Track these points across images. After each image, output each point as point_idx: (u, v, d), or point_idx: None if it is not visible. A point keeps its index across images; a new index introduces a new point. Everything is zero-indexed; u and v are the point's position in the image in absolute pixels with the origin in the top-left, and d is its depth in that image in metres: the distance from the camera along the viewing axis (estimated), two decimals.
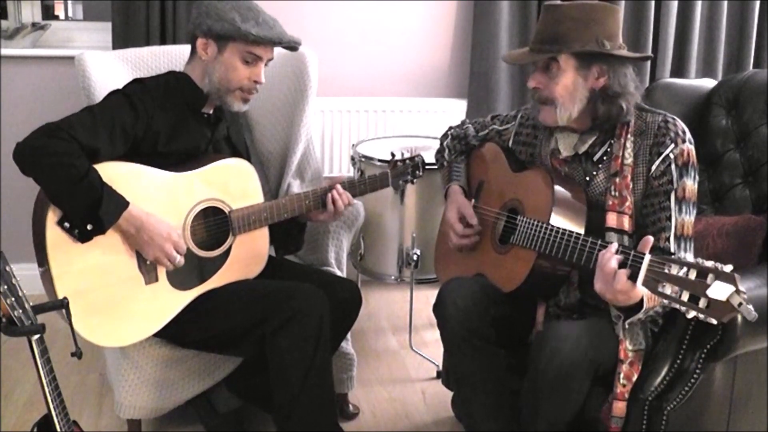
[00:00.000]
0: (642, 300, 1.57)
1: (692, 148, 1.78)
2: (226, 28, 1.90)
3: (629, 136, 1.81)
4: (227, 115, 2.13)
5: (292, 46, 2.02)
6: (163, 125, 1.92)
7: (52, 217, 1.75)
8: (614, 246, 1.57)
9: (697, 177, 1.79)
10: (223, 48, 1.94)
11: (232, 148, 2.14)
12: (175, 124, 1.95)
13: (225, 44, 1.94)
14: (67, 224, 1.75)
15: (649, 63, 3.31)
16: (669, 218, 1.75)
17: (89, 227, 1.75)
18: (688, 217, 1.76)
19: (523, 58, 1.87)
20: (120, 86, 1.94)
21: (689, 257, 1.75)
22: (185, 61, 2.05)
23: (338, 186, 2.09)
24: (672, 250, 1.73)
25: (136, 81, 1.97)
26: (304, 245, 2.29)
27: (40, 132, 1.76)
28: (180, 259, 1.88)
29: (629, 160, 1.80)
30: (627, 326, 1.69)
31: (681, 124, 1.81)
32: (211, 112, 2.06)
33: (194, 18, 1.96)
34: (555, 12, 1.77)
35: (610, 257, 1.54)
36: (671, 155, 1.76)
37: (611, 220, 1.78)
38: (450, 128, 2.26)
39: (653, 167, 1.78)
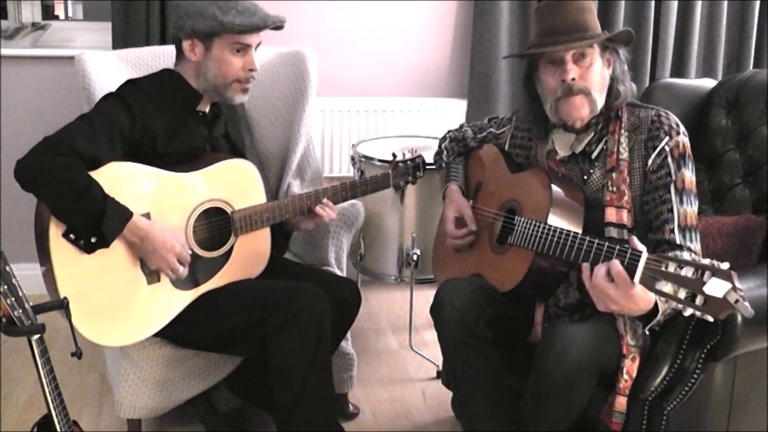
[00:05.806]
0: (656, 304, 1.57)
1: (687, 140, 1.80)
2: (210, 24, 1.89)
3: (623, 131, 1.83)
4: (225, 112, 2.13)
5: (278, 25, 1.99)
6: (160, 125, 1.91)
7: (55, 224, 1.75)
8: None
9: (694, 169, 1.80)
10: (210, 45, 1.92)
11: (231, 145, 2.14)
12: (172, 123, 1.94)
13: (211, 41, 1.92)
14: (72, 236, 1.75)
15: (649, 63, 3.31)
16: (671, 210, 1.76)
17: (93, 240, 1.76)
18: (690, 208, 1.77)
19: (568, 45, 1.75)
20: (114, 89, 1.93)
21: (696, 248, 1.76)
22: None
23: (327, 201, 2.08)
24: (678, 242, 1.74)
25: (129, 82, 1.96)
26: (303, 246, 2.28)
27: (40, 148, 1.75)
28: (183, 271, 1.89)
29: (624, 155, 1.81)
30: (647, 332, 1.69)
31: (674, 118, 1.82)
32: (206, 110, 2.06)
33: (175, 21, 1.94)
34: (569, 4, 1.78)
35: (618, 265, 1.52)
36: (666, 148, 1.78)
37: (611, 215, 1.79)
38: (448, 131, 2.27)
39: (649, 161, 1.79)
